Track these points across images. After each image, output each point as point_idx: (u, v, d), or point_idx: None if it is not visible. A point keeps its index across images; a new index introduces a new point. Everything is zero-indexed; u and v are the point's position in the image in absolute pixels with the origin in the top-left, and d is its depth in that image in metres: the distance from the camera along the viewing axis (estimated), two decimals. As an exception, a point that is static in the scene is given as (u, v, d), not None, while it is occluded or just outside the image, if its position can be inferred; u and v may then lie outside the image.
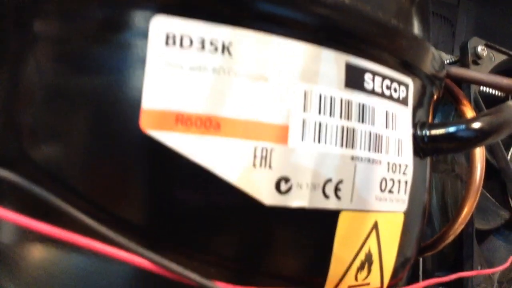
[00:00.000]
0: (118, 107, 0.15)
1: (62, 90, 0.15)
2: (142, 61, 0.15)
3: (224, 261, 0.16)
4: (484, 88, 0.37)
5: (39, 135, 0.15)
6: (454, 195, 0.37)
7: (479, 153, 0.30)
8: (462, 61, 0.36)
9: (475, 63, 0.36)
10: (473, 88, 0.36)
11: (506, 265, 0.31)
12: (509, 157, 0.39)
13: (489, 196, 0.38)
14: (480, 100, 0.36)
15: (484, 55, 0.36)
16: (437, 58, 0.23)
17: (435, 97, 0.25)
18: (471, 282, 0.33)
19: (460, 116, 0.39)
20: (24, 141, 0.16)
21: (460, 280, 0.35)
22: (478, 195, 0.30)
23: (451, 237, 0.32)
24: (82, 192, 0.15)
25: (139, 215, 0.15)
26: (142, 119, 0.15)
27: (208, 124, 0.15)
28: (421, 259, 0.38)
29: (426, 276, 0.37)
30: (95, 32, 0.15)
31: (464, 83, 0.33)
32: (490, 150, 0.37)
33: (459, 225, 0.31)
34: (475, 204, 0.30)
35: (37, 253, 0.17)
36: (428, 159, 0.24)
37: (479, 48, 0.36)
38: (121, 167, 0.15)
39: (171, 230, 0.16)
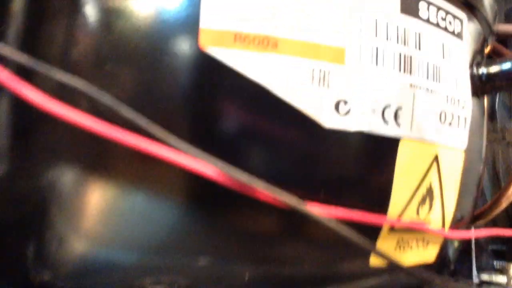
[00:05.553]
0: (178, 27, 0.15)
1: (125, 13, 0.16)
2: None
3: (280, 183, 0.16)
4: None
5: (104, 55, 0.16)
6: (505, 163, 0.35)
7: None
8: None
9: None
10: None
11: None
12: None
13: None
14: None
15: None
16: (493, 5, 0.23)
17: (487, 48, 0.25)
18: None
19: (508, 92, 0.38)
20: (89, 61, 0.16)
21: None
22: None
23: (504, 204, 0.30)
24: (147, 109, 0.15)
25: (195, 131, 0.15)
26: (200, 37, 0.15)
27: (266, 43, 0.15)
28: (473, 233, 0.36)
29: (478, 250, 0.36)
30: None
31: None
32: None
33: (514, 190, 0.30)
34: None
35: (94, 197, 0.18)
36: (485, 106, 0.23)
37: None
38: (181, 84, 0.15)
39: (226, 147, 0.16)
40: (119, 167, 0.17)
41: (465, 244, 0.36)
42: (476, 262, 0.36)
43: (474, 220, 0.32)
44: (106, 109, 0.15)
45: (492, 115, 0.36)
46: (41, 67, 0.13)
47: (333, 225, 0.14)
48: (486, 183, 0.36)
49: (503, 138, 0.35)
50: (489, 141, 0.36)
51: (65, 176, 0.18)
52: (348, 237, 0.15)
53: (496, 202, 0.30)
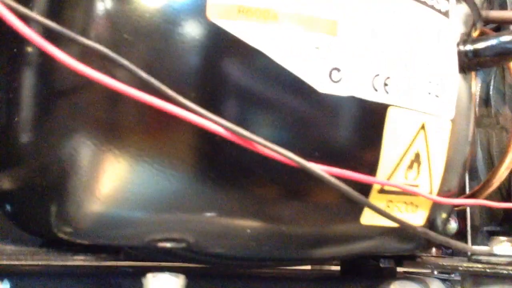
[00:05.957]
0: (188, 2, 0.17)
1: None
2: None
3: (279, 144, 0.17)
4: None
5: (121, 27, 0.17)
6: (499, 147, 0.37)
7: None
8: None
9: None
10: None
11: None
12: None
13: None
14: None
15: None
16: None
17: (476, 31, 0.26)
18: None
19: (502, 77, 0.39)
20: (108, 33, 0.18)
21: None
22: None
23: (495, 184, 0.31)
24: (160, 75, 0.17)
25: (201, 94, 0.17)
26: (207, 10, 0.17)
27: (267, 15, 0.17)
28: (468, 215, 0.37)
29: (474, 231, 0.37)
30: None
31: (504, 24, 0.34)
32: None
33: (505, 169, 0.31)
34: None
35: (109, 164, 0.19)
36: (472, 82, 0.25)
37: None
38: (191, 52, 0.17)
39: (229, 110, 0.17)
40: (131, 135, 0.18)
41: (461, 226, 0.37)
42: (472, 242, 0.37)
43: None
44: (122, 76, 0.17)
45: (486, 102, 0.37)
46: (69, 33, 0.15)
47: (330, 179, 0.16)
48: (481, 166, 0.37)
49: (497, 122, 0.37)
50: (484, 126, 0.38)
51: (83, 145, 0.19)
52: (345, 191, 0.16)
53: (488, 182, 0.32)
